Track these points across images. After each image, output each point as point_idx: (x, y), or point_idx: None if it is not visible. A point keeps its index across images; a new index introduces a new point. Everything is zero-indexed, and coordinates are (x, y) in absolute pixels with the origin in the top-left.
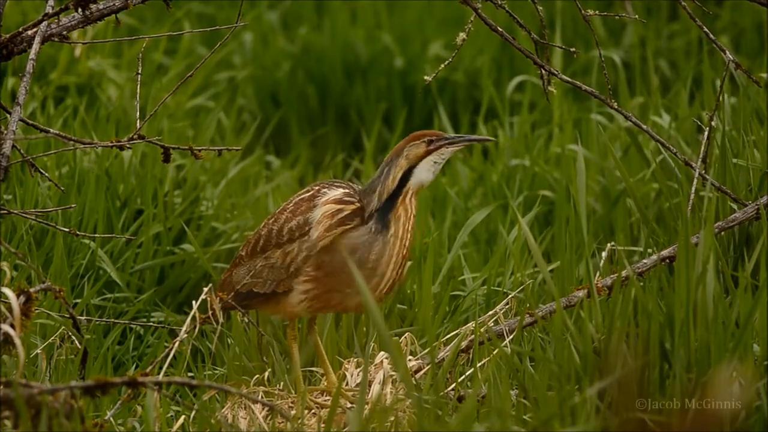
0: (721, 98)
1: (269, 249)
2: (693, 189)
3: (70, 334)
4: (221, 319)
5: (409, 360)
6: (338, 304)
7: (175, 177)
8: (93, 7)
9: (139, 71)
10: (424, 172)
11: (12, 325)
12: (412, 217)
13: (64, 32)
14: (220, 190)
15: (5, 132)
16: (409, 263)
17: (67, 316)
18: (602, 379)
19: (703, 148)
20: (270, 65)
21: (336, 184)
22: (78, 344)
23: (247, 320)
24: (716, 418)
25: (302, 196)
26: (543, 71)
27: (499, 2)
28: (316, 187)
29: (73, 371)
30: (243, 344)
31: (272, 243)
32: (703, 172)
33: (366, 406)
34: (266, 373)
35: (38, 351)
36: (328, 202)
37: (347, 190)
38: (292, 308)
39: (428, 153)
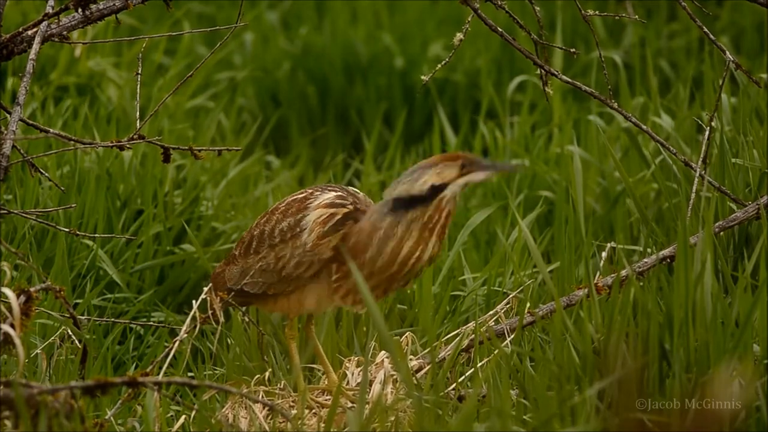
0: (720, 98)
1: (262, 250)
2: (693, 189)
3: (70, 334)
4: (221, 319)
5: (410, 360)
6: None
7: (175, 177)
8: (93, 7)
9: (139, 71)
10: (453, 191)
11: (12, 325)
12: (449, 214)
13: (64, 32)
14: (220, 190)
15: (5, 132)
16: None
17: (68, 315)
18: (602, 379)
19: (703, 148)
20: (270, 65)
21: (329, 188)
22: (78, 344)
23: (247, 320)
24: (716, 418)
25: (295, 197)
26: (542, 71)
27: (499, 2)
28: (310, 190)
29: (73, 371)
30: (243, 344)
31: (265, 244)
32: (704, 172)
33: (366, 405)
34: (266, 373)
35: (38, 351)
36: (319, 207)
37: (340, 193)
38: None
39: (460, 176)
